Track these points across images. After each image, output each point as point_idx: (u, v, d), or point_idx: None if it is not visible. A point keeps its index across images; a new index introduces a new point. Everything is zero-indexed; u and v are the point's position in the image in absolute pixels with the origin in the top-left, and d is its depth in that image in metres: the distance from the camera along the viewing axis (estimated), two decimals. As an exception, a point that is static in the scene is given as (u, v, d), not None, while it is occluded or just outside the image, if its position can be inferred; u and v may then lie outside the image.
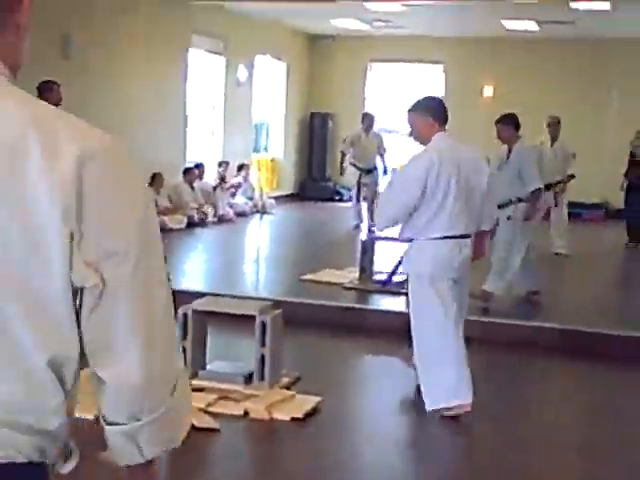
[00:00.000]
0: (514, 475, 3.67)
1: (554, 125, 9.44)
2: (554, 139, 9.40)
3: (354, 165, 11.58)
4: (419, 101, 4.40)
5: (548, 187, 7.79)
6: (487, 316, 6.09)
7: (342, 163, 11.97)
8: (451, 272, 4.19)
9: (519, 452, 3.90)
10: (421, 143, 4.37)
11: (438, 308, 4.13)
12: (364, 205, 11.43)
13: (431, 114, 4.29)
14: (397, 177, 4.52)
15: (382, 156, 11.68)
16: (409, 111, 4.36)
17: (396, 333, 5.78)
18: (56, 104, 7.58)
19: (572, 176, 9.28)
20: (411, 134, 4.45)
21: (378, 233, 4.35)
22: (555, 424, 4.29)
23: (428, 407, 4.13)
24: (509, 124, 6.80)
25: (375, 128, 11.95)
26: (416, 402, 4.68)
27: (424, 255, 4.18)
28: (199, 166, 12.33)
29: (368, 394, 4.75)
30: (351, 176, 11.88)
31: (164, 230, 10.55)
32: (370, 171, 11.46)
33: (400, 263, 4.79)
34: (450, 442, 4.08)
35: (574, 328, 5.82)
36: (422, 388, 4.18)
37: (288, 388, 4.52)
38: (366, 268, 7.17)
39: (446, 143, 4.31)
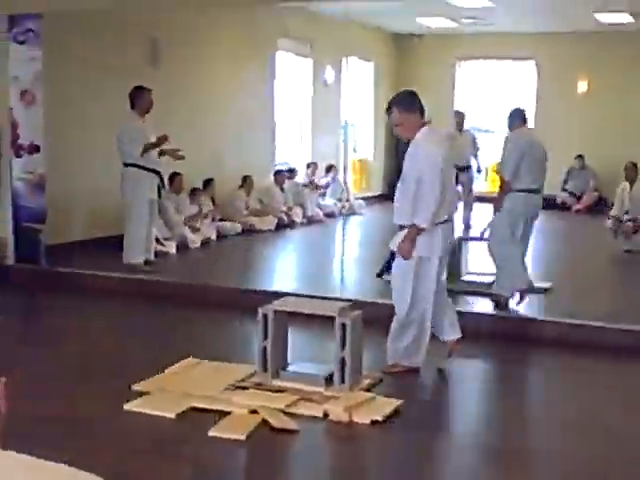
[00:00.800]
0: None
1: (631, 169, 9.85)
2: (632, 182, 9.86)
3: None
4: (404, 98, 4.58)
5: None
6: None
7: None
8: (447, 251, 4.77)
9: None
10: (407, 138, 4.57)
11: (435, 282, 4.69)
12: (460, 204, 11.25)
13: (419, 110, 4.56)
14: (422, 172, 4.51)
15: (475, 155, 11.53)
16: (398, 110, 4.51)
17: (481, 335, 5.68)
18: (147, 110, 7.75)
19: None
20: (396, 130, 4.60)
21: (425, 226, 4.46)
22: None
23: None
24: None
25: (466, 126, 11.78)
26: (502, 407, 4.56)
27: (436, 238, 4.59)
28: (292, 170, 12.40)
29: (451, 397, 4.63)
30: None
31: (253, 231, 10.69)
32: (465, 169, 11.31)
33: (394, 254, 4.80)
34: (539, 449, 3.93)
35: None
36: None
37: (369, 390, 4.46)
38: (455, 268, 7.04)
39: (434, 135, 4.62)
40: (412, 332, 4.71)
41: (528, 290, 6.51)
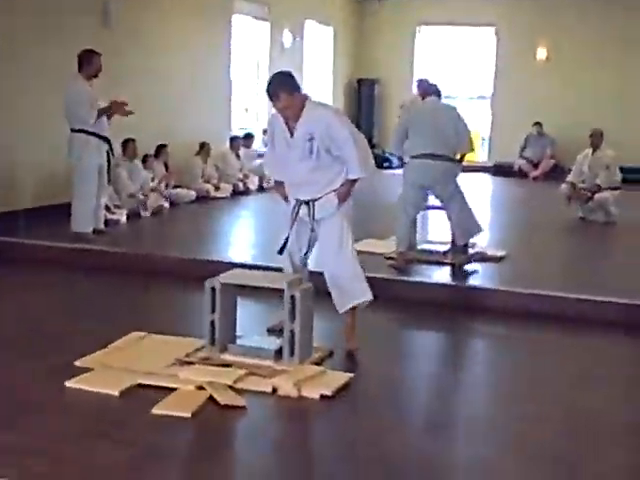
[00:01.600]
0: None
1: (597, 136, 9.84)
2: (595, 149, 9.87)
3: None
4: (286, 81, 4.58)
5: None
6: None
7: None
8: None
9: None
10: (295, 117, 4.57)
11: None
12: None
13: (299, 88, 4.61)
14: (350, 126, 4.68)
15: None
16: (286, 94, 4.52)
17: (436, 305, 5.63)
18: (95, 74, 7.51)
19: (599, 187, 9.67)
20: (285, 113, 4.60)
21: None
22: None
23: None
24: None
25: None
26: (451, 378, 4.51)
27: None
28: (248, 136, 12.20)
29: (403, 371, 4.57)
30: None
31: (208, 198, 10.55)
32: None
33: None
34: (487, 422, 3.88)
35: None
36: None
37: (319, 364, 4.39)
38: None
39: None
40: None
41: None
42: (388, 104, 15.80)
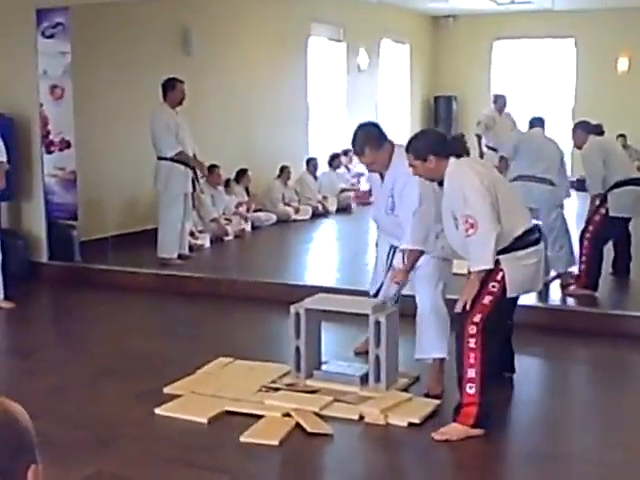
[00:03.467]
0: None
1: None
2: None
3: (491, 148, 11.25)
4: (370, 135, 4.36)
5: None
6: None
7: (480, 147, 11.56)
8: None
9: None
10: (384, 167, 4.40)
11: None
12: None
13: (385, 140, 4.41)
14: (423, 195, 4.30)
15: None
16: (370, 149, 4.33)
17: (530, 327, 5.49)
18: (180, 102, 7.65)
19: None
20: (373, 168, 4.47)
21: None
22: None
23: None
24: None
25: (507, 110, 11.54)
26: (552, 406, 4.39)
27: None
28: (346, 152, 12.25)
29: (495, 398, 4.46)
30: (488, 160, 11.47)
31: (290, 221, 10.61)
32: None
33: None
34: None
35: None
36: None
37: (405, 390, 4.33)
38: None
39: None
40: None
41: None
42: (466, 120, 15.63)
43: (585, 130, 6.50)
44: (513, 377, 4.58)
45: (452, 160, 3.86)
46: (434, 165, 3.85)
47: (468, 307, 3.73)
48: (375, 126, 4.45)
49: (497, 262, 3.72)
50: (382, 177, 4.47)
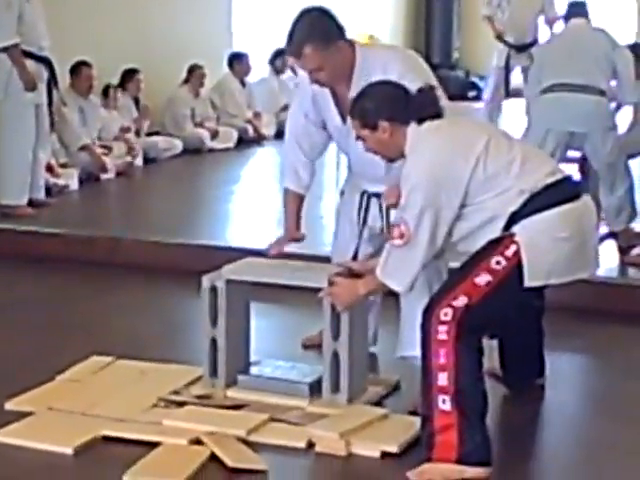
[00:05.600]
0: None
1: None
2: None
3: (500, 39, 11.36)
4: (316, 26, 4.41)
5: None
6: None
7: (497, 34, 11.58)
8: None
9: None
10: (339, 80, 4.51)
11: None
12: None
13: (341, 34, 4.50)
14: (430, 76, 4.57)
15: (550, 24, 11.31)
16: (313, 48, 4.36)
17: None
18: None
19: None
20: (319, 77, 4.49)
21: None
22: None
23: None
24: None
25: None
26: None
27: None
28: (278, 53, 12.26)
29: (500, 415, 4.53)
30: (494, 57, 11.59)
31: (203, 150, 10.60)
32: (524, 48, 11.14)
33: None
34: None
35: None
36: None
37: (378, 403, 4.38)
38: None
39: None
40: None
41: None
42: (471, 11, 15.74)
43: None
44: (544, 384, 4.64)
45: (410, 129, 3.91)
46: (389, 135, 3.92)
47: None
48: (326, 13, 4.46)
49: (508, 232, 3.76)
50: (334, 95, 4.54)
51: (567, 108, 6.67)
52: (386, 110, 3.90)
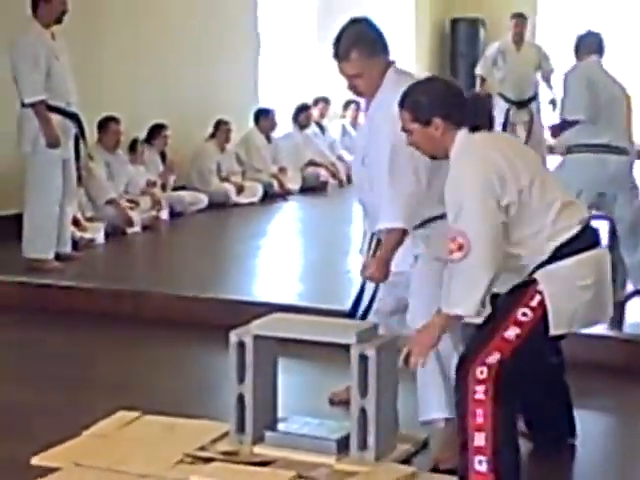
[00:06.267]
0: None
1: None
2: None
3: (501, 95, 11.48)
4: (363, 35, 4.52)
5: None
6: None
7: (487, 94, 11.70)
8: None
9: None
10: (369, 92, 4.58)
11: None
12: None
13: (384, 51, 4.61)
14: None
15: (547, 79, 11.47)
16: (359, 54, 4.46)
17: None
18: (57, 18, 7.61)
19: None
20: (355, 83, 4.56)
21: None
22: None
23: None
24: None
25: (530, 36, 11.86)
26: None
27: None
28: (318, 102, 12.34)
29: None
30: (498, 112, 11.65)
31: (228, 205, 10.62)
32: (524, 104, 11.24)
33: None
34: None
35: None
36: None
37: (407, 461, 4.34)
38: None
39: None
40: None
41: None
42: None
43: None
44: (575, 443, 4.58)
45: (461, 134, 3.88)
46: (440, 133, 3.88)
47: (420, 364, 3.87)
48: (375, 26, 4.55)
49: (532, 280, 3.73)
50: (367, 109, 4.63)
51: (604, 169, 6.60)
52: (441, 107, 3.87)
